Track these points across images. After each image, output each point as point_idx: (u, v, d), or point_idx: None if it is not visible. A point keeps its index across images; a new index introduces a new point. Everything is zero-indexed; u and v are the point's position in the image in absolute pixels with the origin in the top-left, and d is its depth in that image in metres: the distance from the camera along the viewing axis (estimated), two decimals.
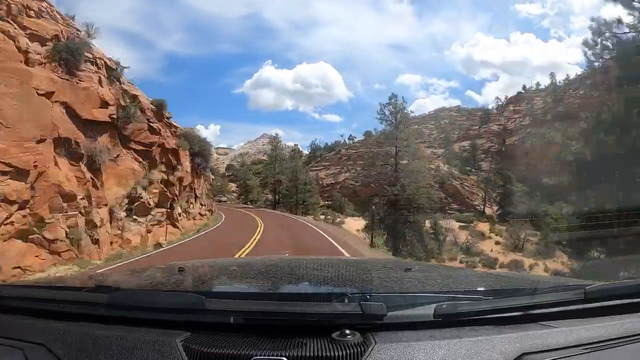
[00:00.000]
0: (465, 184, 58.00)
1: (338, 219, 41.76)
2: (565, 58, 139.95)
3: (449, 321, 0.79)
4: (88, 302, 0.91)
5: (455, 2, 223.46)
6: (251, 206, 53.69)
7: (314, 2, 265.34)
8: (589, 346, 0.74)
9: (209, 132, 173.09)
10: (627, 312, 0.86)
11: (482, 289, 1.07)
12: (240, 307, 0.82)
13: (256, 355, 0.70)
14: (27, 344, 0.79)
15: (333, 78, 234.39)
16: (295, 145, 60.77)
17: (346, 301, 0.80)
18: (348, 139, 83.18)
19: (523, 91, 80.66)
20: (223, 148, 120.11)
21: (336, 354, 0.70)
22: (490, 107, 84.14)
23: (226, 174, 77.95)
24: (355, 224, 42.80)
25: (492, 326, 0.80)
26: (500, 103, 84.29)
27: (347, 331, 0.75)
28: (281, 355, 0.70)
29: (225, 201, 60.04)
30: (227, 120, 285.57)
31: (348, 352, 0.70)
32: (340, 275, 1.52)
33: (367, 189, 65.10)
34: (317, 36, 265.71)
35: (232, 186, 73.80)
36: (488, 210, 51.09)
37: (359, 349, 0.71)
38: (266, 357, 0.70)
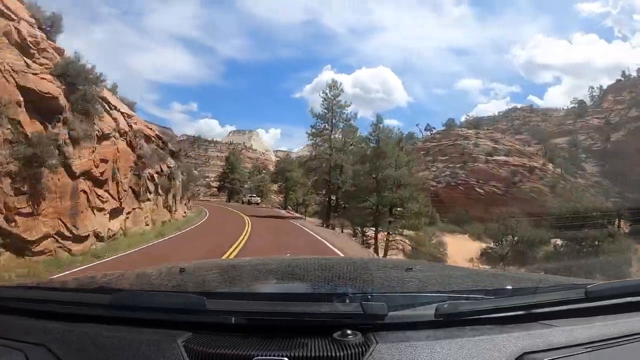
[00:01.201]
0: (579, 188, 48.01)
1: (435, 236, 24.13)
2: (632, 59, 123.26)
3: (450, 321, 0.78)
4: (90, 303, 0.90)
5: (516, 3, 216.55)
6: (291, 214, 34.88)
7: (373, 8, 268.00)
8: (590, 345, 0.74)
9: (269, 135, 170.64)
10: (628, 311, 0.85)
11: (483, 288, 1.09)
12: (242, 307, 0.81)
13: (257, 356, 0.70)
14: (28, 344, 0.78)
15: (392, 83, 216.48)
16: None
17: (347, 301, 0.80)
18: (425, 129, 64.75)
19: (622, 78, 69.85)
20: (282, 151, 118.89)
21: (337, 354, 0.69)
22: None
23: (273, 171, 64.52)
24: (460, 246, 26.89)
25: (493, 326, 0.79)
26: (595, 93, 74.32)
27: (349, 331, 0.74)
28: (282, 356, 0.69)
29: (256, 204, 47.13)
30: (288, 124, 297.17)
31: (349, 352, 0.70)
32: (342, 275, 1.50)
33: (454, 190, 50.75)
34: (377, 41, 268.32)
35: (276, 187, 60.68)
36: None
37: (360, 349, 0.70)
38: (267, 357, 0.70)
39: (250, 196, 50.49)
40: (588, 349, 0.73)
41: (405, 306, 0.80)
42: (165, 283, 1.33)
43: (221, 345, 0.72)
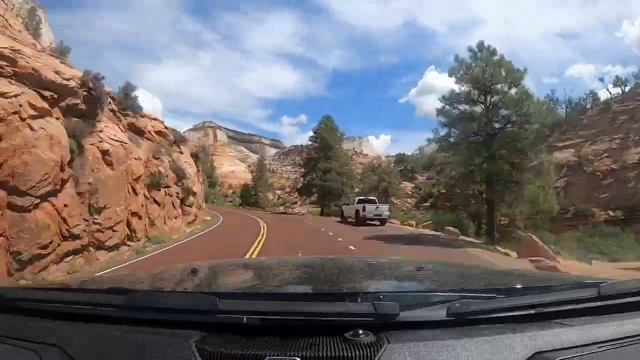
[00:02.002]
0: None
1: None
2: None
3: (462, 320, 0.78)
4: (103, 303, 0.90)
5: None
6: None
7: (471, 1, 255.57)
8: (603, 344, 0.74)
9: (379, 142, 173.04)
10: None
11: (495, 287, 1.10)
12: (253, 307, 0.80)
13: (269, 356, 0.70)
14: (41, 345, 0.79)
15: None
16: None
17: (359, 300, 0.81)
18: (614, 84, 39.37)
19: None
20: (393, 156, 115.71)
21: (349, 354, 0.70)
22: None
23: (397, 168, 47.70)
24: None
25: (505, 325, 0.79)
26: None
27: (360, 331, 0.74)
28: (294, 355, 0.70)
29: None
30: (397, 129, 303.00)
31: (361, 352, 0.70)
32: (353, 274, 1.52)
33: None
34: (478, 35, 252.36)
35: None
36: None
37: (372, 349, 0.71)
38: (279, 357, 0.70)
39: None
40: (601, 348, 0.73)
41: (417, 305, 0.80)
42: (178, 284, 1.33)
43: (233, 346, 0.72)
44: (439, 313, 0.77)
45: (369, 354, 0.69)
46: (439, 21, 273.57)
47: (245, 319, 0.76)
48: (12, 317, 0.90)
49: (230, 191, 73.36)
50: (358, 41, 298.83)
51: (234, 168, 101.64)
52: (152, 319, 0.82)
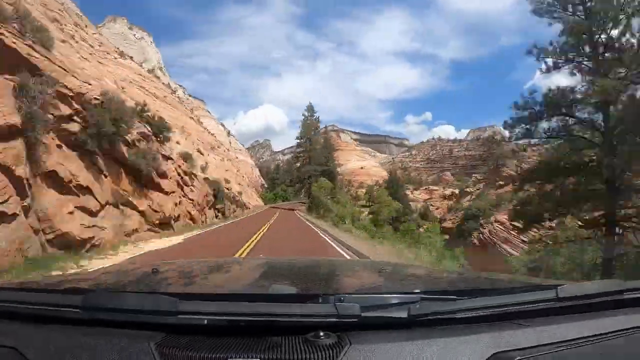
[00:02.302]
0: None
1: None
2: None
3: (422, 321, 0.80)
4: (62, 304, 0.88)
5: None
6: None
7: None
8: (560, 344, 0.76)
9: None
10: (597, 311, 0.88)
11: (456, 289, 1.12)
12: (215, 308, 0.79)
13: (231, 357, 0.70)
14: None
15: None
16: None
17: (320, 301, 0.81)
18: None
19: None
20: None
21: (311, 355, 0.70)
22: None
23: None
24: None
25: (465, 326, 0.80)
26: None
27: (322, 332, 0.75)
28: (256, 357, 0.70)
29: None
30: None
31: (323, 353, 0.71)
32: (315, 276, 1.54)
33: None
34: None
35: None
36: None
37: (333, 350, 0.71)
38: (241, 358, 0.70)
39: None
40: (559, 348, 0.74)
41: (378, 307, 0.80)
42: (138, 284, 1.32)
43: (194, 347, 0.72)
44: (400, 314, 0.77)
45: (330, 355, 0.69)
46: None
47: (206, 320, 0.75)
48: None
49: (362, 192, 60.68)
50: (473, 27, 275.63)
51: (363, 163, 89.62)
52: (111, 320, 0.80)
